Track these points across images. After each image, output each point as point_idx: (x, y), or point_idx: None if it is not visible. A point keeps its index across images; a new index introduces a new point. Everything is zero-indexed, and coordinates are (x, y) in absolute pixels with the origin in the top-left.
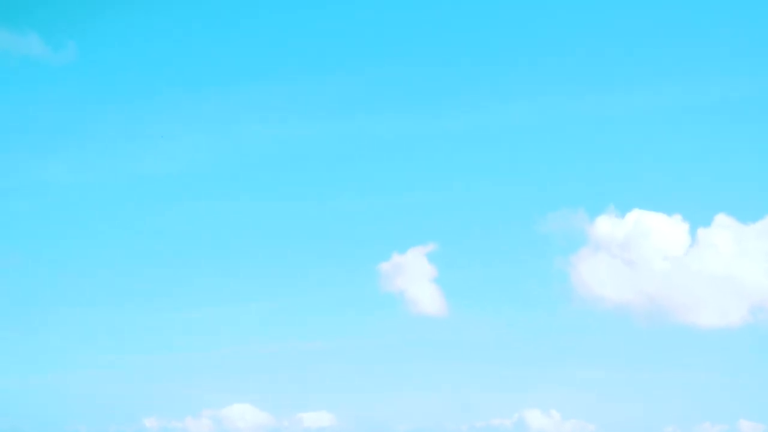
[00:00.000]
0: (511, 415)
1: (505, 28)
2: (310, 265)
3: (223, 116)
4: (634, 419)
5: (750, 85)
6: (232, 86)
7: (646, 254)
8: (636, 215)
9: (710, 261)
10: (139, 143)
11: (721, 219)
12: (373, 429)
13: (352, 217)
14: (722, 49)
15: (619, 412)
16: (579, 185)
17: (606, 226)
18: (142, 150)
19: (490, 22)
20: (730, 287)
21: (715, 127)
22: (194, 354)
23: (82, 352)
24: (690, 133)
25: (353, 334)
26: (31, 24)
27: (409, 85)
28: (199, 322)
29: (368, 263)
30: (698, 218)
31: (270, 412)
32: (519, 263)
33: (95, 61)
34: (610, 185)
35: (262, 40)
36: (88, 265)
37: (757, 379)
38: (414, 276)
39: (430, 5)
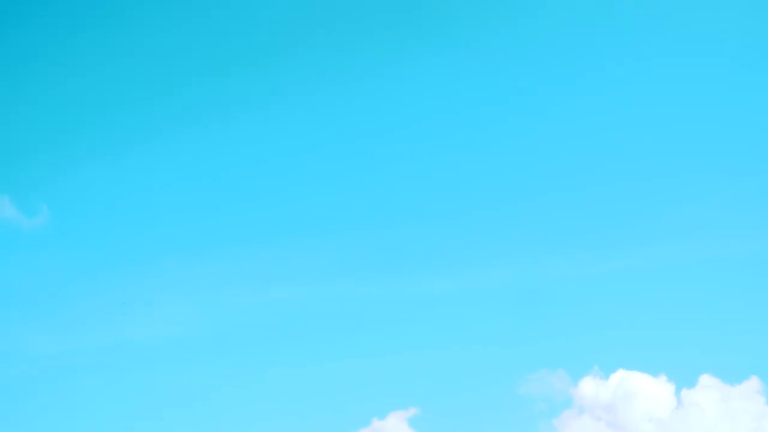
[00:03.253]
0: None
1: (486, 191)
2: None
3: (207, 281)
4: None
5: (733, 247)
6: (216, 251)
7: (632, 416)
8: (620, 376)
9: (695, 422)
10: (125, 309)
11: (706, 380)
12: None
13: (330, 381)
14: (704, 211)
15: None
16: (561, 346)
17: (590, 387)
18: (128, 316)
19: (470, 185)
20: None
21: (698, 287)
22: None
23: None
24: (673, 293)
25: None
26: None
27: (389, 249)
28: None
29: (347, 430)
30: (683, 379)
31: None
32: (502, 427)
33: (70, 225)
34: (593, 346)
35: (247, 205)
36: None
37: None
38: None
39: (409, 173)
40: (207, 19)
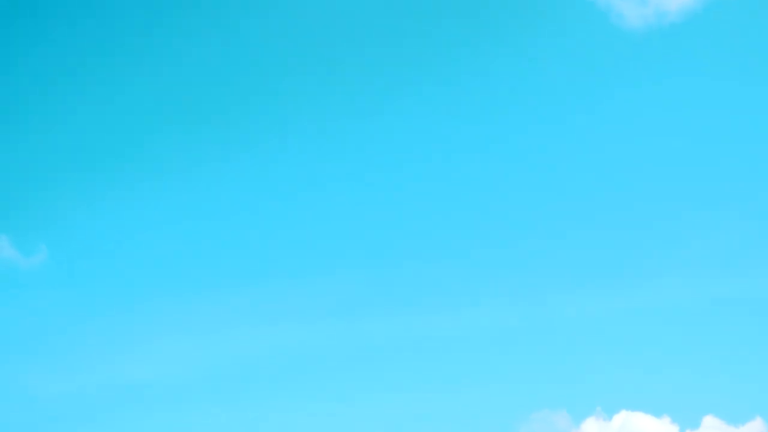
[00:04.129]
0: None
1: (487, 229)
2: None
3: (207, 322)
4: None
5: (736, 286)
6: (219, 289)
7: None
8: (623, 417)
9: None
10: (124, 349)
11: (710, 421)
12: None
13: (329, 422)
14: (707, 250)
15: None
16: (563, 386)
17: (593, 428)
18: (128, 356)
19: (471, 224)
20: None
21: (701, 327)
22: None
23: None
24: (676, 333)
25: None
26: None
27: (389, 288)
28: None
29: None
30: (686, 420)
31: None
32: None
33: (68, 265)
34: (596, 386)
35: (245, 246)
36: None
37: None
38: None
39: (409, 213)
40: (200, 63)
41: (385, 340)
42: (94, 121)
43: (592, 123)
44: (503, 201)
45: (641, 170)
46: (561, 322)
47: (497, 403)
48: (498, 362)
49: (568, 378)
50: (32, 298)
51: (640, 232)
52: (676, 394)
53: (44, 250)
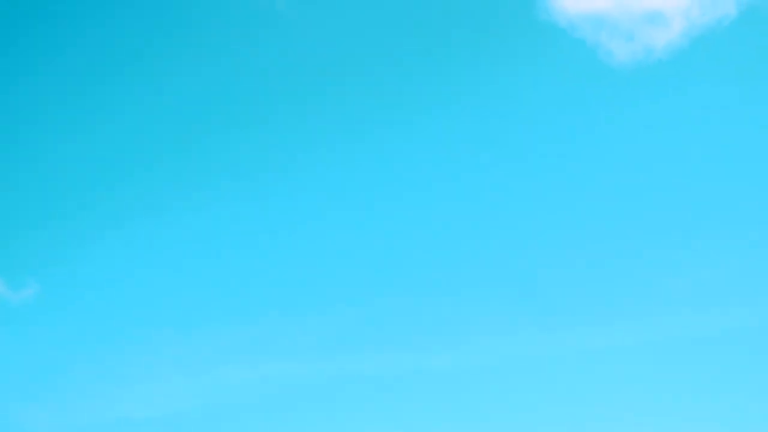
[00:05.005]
0: None
1: (480, 267)
2: None
3: (204, 357)
4: None
5: (715, 324)
6: (213, 326)
7: None
8: None
9: None
10: (118, 386)
11: None
12: None
13: None
14: (685, 288)
15: None
16: (551, 423)
17: None
18: (122, 393)
19: (463, 262)
20: None
21: (681, 365)
22: None
23: None
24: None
25: None
26: None
27: (383, 324)
28: None
29: None
30: None
31: None
32: None
33: (59, 299)
34: (588, 427)
35: (240, 281)
36: None
37: None
38: None
39: (403, 249)
40: (197, 92)
41: (380, 375)
42: (85, 155)
43: (579, 159)
44: (495, 236)
45: (626, 206)
46: (554, 360)
47: None
48: (491, 398)
49: (561, 415)
50: (23, 334)
51: (618, 271)
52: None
53: (34, 285)
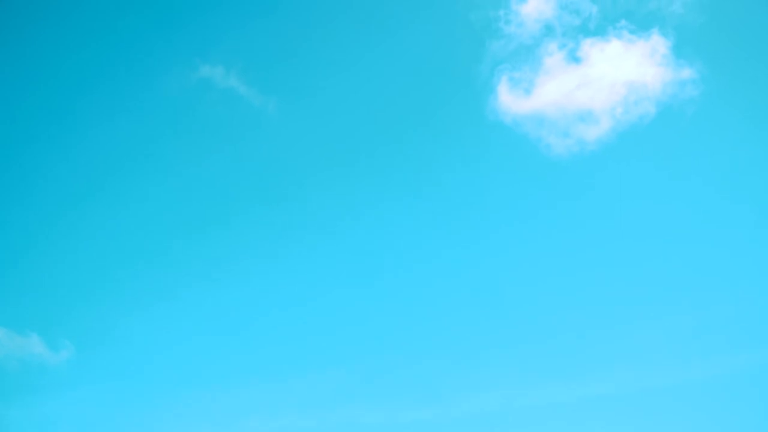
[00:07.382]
0: None
1: (475, 323)
2: None
3: (220, 413)
4: None
5: (683, 374)
6: (228, 384)
7: None
8: None
9: None
10: None
11: None
12: None
13: None
14: (653, 340)
15: None
16: None
17: None
18: None
19: (465, 314)
20: None
21: (653, 415)
22: None
23: None
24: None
25: None
26: (31, 325)
27: (395, 376)
28: None
29: None
30: None
31: None
32: None
33: (92, 360)
34: None
35: (255, 341)
36: None
37: None
38: None
39: (403, 309)
40: (210, 169)
41: (381, 424)
42: (115, 224)
43: (530, 240)
44: (486, 294)
45: (613, 260)
46: (543, 410)
47: None
48: None
49: None
50: (61, 394)
51: (585, 328)
52: None
53: (69, 346)
